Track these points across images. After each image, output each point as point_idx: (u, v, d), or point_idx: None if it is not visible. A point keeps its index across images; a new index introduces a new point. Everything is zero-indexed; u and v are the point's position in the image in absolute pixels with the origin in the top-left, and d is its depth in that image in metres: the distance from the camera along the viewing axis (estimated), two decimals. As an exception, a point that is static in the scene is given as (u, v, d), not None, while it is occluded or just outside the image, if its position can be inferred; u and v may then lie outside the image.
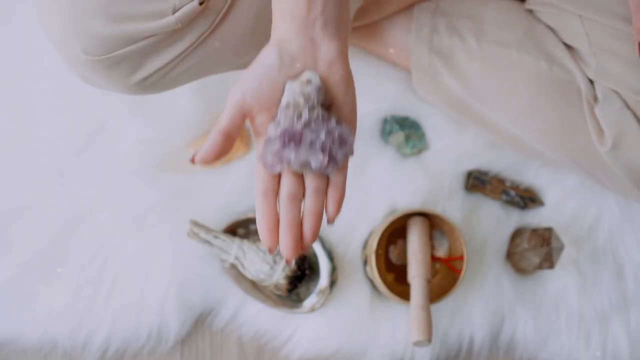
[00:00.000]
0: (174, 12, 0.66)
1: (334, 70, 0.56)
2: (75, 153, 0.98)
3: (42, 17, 0.70)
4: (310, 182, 0.55)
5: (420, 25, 0.91)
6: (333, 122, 0.55)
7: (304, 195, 0.56)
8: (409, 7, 0.93)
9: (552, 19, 0.87)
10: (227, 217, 0.98)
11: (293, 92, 0.54)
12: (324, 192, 0.56)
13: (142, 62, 0.70)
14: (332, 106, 0.56)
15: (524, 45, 0.86)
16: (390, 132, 1.00)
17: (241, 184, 0.99)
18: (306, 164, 0.54)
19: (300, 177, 0.56)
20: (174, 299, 0.97)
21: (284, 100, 0.54)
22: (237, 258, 0.94)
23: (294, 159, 0.54)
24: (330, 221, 0.56)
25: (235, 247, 0.94)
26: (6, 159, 0.99)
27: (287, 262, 0.54)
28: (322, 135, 0.54)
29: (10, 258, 0.97)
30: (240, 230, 0.98)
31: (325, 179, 0.56)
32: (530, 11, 0.90)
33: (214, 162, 0.55)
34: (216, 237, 0.94)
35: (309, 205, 0.55)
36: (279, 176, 0.56)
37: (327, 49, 0.55)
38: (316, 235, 0.54)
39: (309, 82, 0.54)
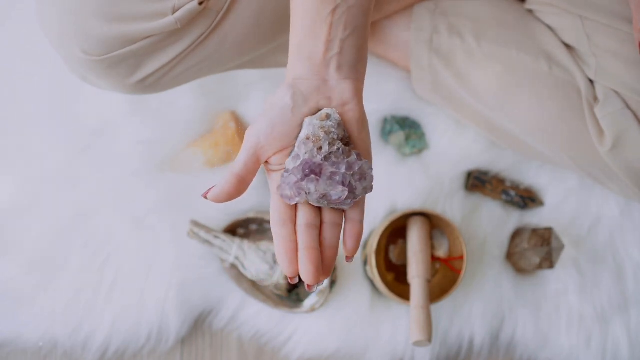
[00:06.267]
0: (174, 12, 0.66)
1: (348, 110, 0.56)
2: (76, 153, 0.98)
3: (42, 17, 0.70)
4: (327, 216, 0.55)
5: (420, 25, 0.91)
6: (354, 157, 0.55)
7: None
8: (409, 7, 0.93)
9: (552, 19, 0.87)
10: (227, 217, 0.98)
11: (313, 126, 0.54)
12: (340, 227, 0.55)
13: (141, 62, 0.70)
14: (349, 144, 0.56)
15: (524, 45, 0.86)
16: (390, 132, 1.00)
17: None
18: (325, 196, 0.54)
19: (317, 210, 0.55)
20: (174, 299, 0.96)
21: (302, 134, 0.54)
22: (237, 258, 0.94)
23: (314, 191, 0.53)
24: (349, 257, 0.55)
25: (235, 247, 0.94)
26: (6, 159, 0.99)
27: (309, 288, 0.52)
28: (343, 169, 0.54)
29: (10, 258, 0.97)
30: (240, 230, 0.98)
31: (341, 214, 0.56)
32: (530, 11, 0.90)
33: (225, 202, 0.54)
34: (216, 237, 0.94)
35: (325, 237, 0.54)
36: (296, 208, 0.55)
37: (340, 90, 0.55)
38: (331, 269, 0.53)
39: (328, 117, 0.54)
